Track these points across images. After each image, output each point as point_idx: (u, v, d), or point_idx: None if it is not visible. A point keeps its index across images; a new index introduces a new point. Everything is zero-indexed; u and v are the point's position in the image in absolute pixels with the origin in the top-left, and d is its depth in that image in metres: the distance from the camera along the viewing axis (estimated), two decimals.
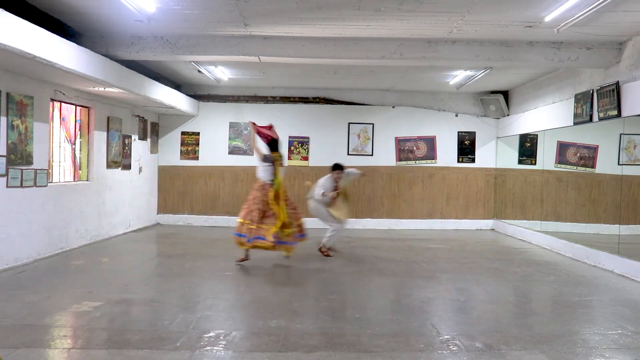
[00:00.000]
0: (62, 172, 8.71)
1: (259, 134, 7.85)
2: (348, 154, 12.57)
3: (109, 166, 9.81)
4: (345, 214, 8.70)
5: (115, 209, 10.19)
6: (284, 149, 12.50)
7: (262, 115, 12.52)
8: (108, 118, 9.72)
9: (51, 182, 8.14)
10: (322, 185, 8.36)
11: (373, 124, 12.60)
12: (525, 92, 11.32)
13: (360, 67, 9.66)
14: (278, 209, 7.35)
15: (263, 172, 7.64)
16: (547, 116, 10.03)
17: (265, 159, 7.66)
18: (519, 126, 11.38)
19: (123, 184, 10.53)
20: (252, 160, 12.51)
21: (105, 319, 4.94)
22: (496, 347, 4.37)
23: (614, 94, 7.58)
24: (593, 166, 9.72)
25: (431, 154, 12.66)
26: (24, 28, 5.63)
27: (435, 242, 10.43)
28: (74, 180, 8.99)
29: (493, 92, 12.32)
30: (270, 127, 7.93)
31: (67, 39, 6.68)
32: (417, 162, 12.65)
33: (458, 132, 12.69)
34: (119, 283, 6.42)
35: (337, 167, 8.46)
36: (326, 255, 8.38)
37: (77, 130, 9.10)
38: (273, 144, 7.78)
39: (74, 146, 9.04)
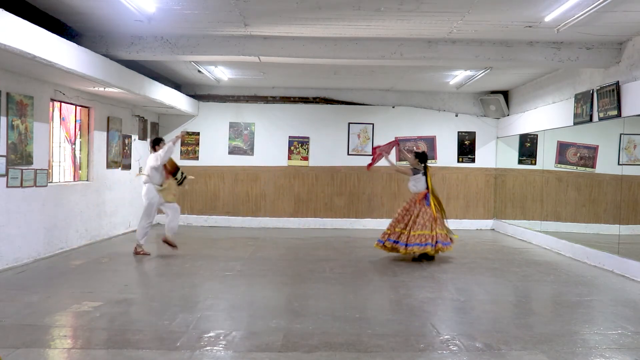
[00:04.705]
0: (62, 172, 8.71)
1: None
2: (348, 154, 12.57)
3: (109, 166, 9.81)
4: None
5: (115, 209, 10.19)
6: (283, 149, 12.57)
7: (262, 115, 12.56)
8: (108, 118, 9.72)
9: (51, 182, 8.14)
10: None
11: (373, 124, 12.60)
12: (525, 92, 11.32)
13: (360, 67, 9.66)
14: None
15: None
16: (547, 116, 10.03)
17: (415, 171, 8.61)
18: (519, 126, 11.38)
19: (123, 184, 10.52)
20: (252, 161, 12.55)
21: (105, 319, 4.94)
22: (496, 347, 4.37)
23: (614, 94, 7.58)
24: (593, 166, 9.71)
25: (431, 154, 12.64)
26: (24, 28, 5.63)
27: None
28: (74, 180, 8.99)
29: (493, 92, 12.32)
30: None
31: (67, 39, 6.68)
32: None
33: (458, 132, 12.69)
34: (119, 283, 6.42)
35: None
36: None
37: (77, 130, 9.10)
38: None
39: (74, 146, 9.04)
